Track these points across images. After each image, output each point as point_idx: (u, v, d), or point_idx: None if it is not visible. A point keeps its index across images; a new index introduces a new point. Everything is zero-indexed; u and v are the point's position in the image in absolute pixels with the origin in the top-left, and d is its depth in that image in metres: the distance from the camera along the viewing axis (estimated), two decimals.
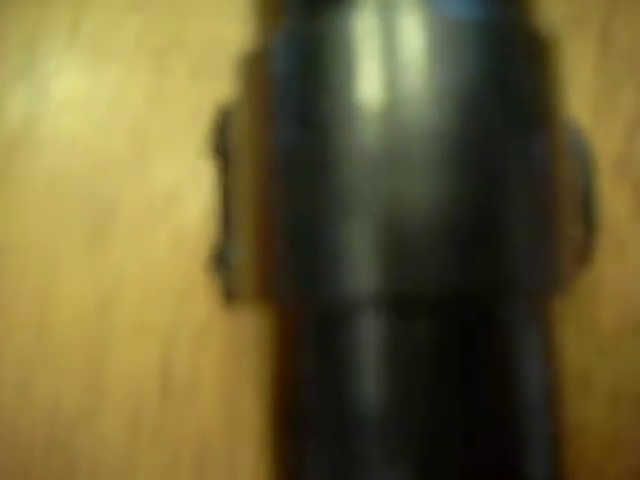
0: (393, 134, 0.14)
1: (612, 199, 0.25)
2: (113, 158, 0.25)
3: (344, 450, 0.14)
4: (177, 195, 0.25)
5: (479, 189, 0.14)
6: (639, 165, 0.25)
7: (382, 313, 0.14)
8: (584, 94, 0.25)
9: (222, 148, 0.19)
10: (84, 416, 0.24)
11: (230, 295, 0.18)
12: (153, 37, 0.25)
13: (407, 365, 0.14)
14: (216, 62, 0.25)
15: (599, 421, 0.23)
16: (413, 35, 0.15)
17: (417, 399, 0.14)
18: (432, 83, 0.14)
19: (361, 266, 0.14)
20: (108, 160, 0.25)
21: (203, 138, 0.25)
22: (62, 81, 0.26)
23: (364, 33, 0.15)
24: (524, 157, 0.15)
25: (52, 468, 0.24)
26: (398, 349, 0.14)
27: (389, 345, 0.14)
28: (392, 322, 0.14)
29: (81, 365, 0.24)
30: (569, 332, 0.24)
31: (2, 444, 0.24)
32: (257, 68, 0.16)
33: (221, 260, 0.18)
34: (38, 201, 0.25)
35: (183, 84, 0.25)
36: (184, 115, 0.25)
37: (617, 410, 0.24)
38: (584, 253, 0.20)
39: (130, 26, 0.26)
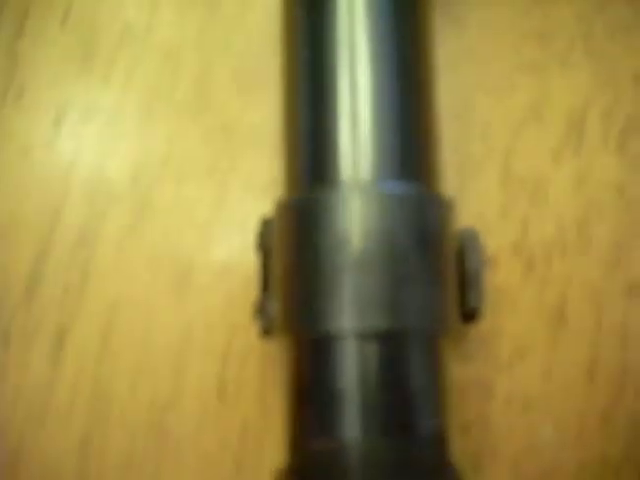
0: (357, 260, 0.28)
1: (509, 270, 0.38)
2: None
3: None
4: (233, 265, 0.39)
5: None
6: (529, 249, 0.39)
7: (351, 341, 0.28)
8: (491, 206, 0.39)
9: (264, 245, 0.33)
10: None
11: (267, 332, 0.32)
12: (209, 155, 0.40)
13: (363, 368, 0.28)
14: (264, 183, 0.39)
15: None
16: (359, 207, 0.28)
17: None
18: (372, 244, 0.28)
19: (339, 312, 0.27)
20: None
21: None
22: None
23: (337, 206, 0.28)
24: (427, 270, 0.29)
25: None
26: (359, 362, 0.28)
27: (355, 359, 0.28)
28: (357, 345, 0.28)
29: None
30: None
31: None
32: (281, 219, 0.30)
33: (262, 311, 0.32)
34: None
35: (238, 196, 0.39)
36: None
37: None
38: (475, 312, 0.33)
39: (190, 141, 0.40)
